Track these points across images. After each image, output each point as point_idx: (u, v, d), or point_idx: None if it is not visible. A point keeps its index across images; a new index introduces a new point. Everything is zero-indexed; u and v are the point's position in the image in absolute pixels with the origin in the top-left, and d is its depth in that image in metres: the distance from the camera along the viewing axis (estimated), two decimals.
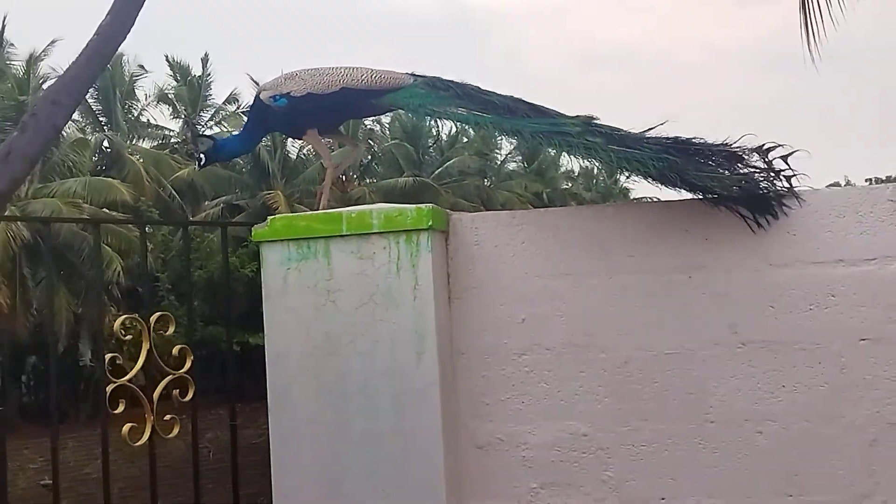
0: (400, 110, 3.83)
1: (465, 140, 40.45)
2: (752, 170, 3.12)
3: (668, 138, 3.19)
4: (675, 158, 3.10)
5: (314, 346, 3.27)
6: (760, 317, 3.08)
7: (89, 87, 10.37)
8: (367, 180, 35.83)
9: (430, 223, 3.22)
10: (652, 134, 3.20)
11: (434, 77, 3.66)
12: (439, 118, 3.60)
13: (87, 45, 8.64)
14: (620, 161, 3.19)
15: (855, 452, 2.98)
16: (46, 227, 3.73)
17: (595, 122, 3.36)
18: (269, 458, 3.26)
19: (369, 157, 37.08)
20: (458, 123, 3.60)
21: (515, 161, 44.28)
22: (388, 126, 39.03)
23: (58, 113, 8.41)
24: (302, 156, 34.79)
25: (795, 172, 3.09)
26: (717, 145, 3.15)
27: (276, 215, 3.41)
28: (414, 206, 3.29)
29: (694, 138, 3.19)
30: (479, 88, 3.58)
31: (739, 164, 3.14)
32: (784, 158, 3.09)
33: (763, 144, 3.11)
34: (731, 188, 3.08)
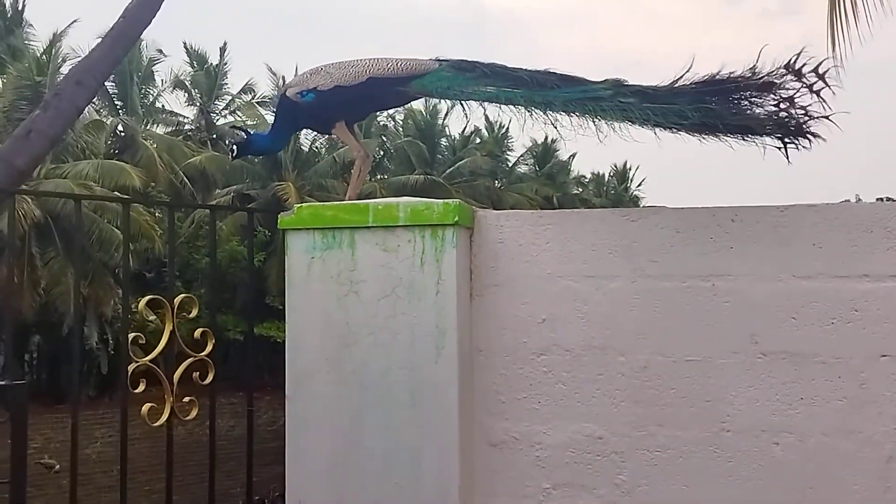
0: (427, 96, 3.85)
1: (479, 140, 40.50)
2: (784, 97, 3.12)
3: (698, 83, 3.21)
4: (711, 106, 3.15)
5: (335, 335, 3.27)
6: (782, 328, 3.08)
7: (113, 69, 10.42)
8: (379, 176, 35.84)
9: (455, 219, 3.22)
10: (683, 82, 3.22)
11: (459, 60, 3.68)
12: (468, 99, 3.60)
13: (113, 27, 8.71)
14: (658, 117, 3.21)
15: (871, 468, 2.98)
16: (77, 205, 3.74)
17: (625, 83, 3.38)
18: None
19: (381, 153, 37.11)
20: (488, 102, 3.60)
21: (527, 164, 44.30)
22: (401, 123, 39.09)
23: (81, 94, 8.48)
24: (314, 148, 34.86)
25: (826, 85, 3.06)
26: (748, 77, 3.16)
27: (304, 203, 3.42)
28: (441, 200, 3.29)
29: (723, 74, 3.19)
30: (506, 66, 3.59)
31: (772, 93, 3.15)
32: (815, 71, 3.06)
33: (790, 60, 3.08)
34: (766, 126, 3.13)
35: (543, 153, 43.83)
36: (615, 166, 52.03)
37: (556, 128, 3.42)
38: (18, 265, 22.37)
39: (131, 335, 3.23)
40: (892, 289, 2.99)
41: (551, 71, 3.53)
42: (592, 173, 51.51)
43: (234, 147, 3.96)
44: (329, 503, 3.21)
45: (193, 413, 3.39)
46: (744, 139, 3.18)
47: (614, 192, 50.63)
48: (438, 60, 3.67)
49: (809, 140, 3.11)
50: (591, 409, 3.20)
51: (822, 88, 3.06)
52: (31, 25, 30.97)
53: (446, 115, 39.13)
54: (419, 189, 31.09)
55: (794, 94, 3.10)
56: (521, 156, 43.83)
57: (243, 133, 3.98)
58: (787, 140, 3.12)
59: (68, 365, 23.73)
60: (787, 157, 3.13)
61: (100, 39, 9.18)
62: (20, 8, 31.00)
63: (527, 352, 3.28)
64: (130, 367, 3.25)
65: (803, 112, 3.10)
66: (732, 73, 3.18)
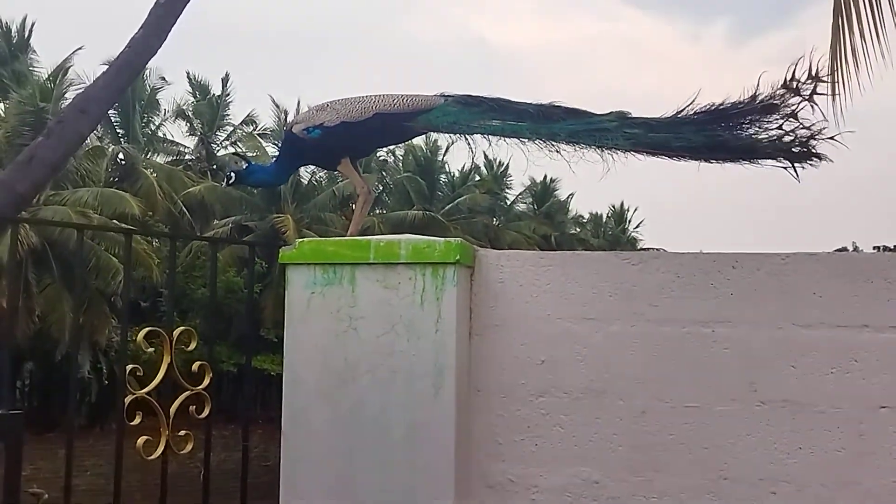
0: (434, 131, 3.88)
1: (478, 178, 40.65)
2: (787, 118, 3.17)
3: (701, 112, 3.29)
4: (716, 132, 3.24)
5: (333, 371, 3.26)
6: (781, 376, 3.07)
7: (117, 98, 10.49)
8: (378, 211, 35.92)
9: (457, 257, 3.22)
10: (686, 112, 3.30)
11: (465, 95, 3.71)
12: (474, 133, 3.64)
13: (119, 56, 8.76)
14: (665, 145, 3.30)
15: None
16: (79, 234, 3.73)
17: (629, 115, 3.45)
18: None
19: (380, 188, 37.22)
20: (494, 136, 3.65)
21: (525, 202, 44.48)
22: (401, 158, 39.26)
23: (84, 121, 8.52)
24: (314, 181, 34.95)
25: (821, 78, 3.11)
26: (750, 101, 3.22)
27: (305, 238, 3.42)
28: (442, 239, 3.30)
29: (725, 103, 3.26)
30: (511, 100, 3.63)
31: (775, 114, 3.20)
32: (813, 76, 3.11)
33: (787, 77, 3.14)
34: (769, 149, 3.19)
35: (542, 192, 44.03)
36: (613, 207, 52.26)
37: (562, 158, 3.46)
38: (15, 292, 22.32)
39: (129, 367, 3.21)
40: (892, 339, 2.98)
41: (557, 104, 3.59)
42: (591, 213, 51.75)
43: (233, 174, 3.93)
44: None
45: (189, 447, 3.36)
46: (751, 162, 3.23)
47: (612, 232, 50.80)
48: (444, 96, 3.70)
49: (816, 159, 3.16)
50: (589, 452, 3.19)
51: (818, 91, 3.12)
52: (35, 52, 31.22)
53: (446, 151, 39.32)
54: (418, 225, 31.15)
55: (796, 108, 3.16)
56: (520, 194, 44.05)
57: (244, 162, 3.98)
58: (794, 161, 3.17)
59: (61, 393, 23.59)
60: (797, 177, 3.17)
61: (105, 67, 9.24)
62: (26, 34, 31.24)
63: (525, 393, 3.26)
64: (127, 399, 3.23)
65: (807, 131, 3.15)
66: (734, 100, 3.25)
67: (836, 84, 5.42)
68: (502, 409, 3.27)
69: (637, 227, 53.15)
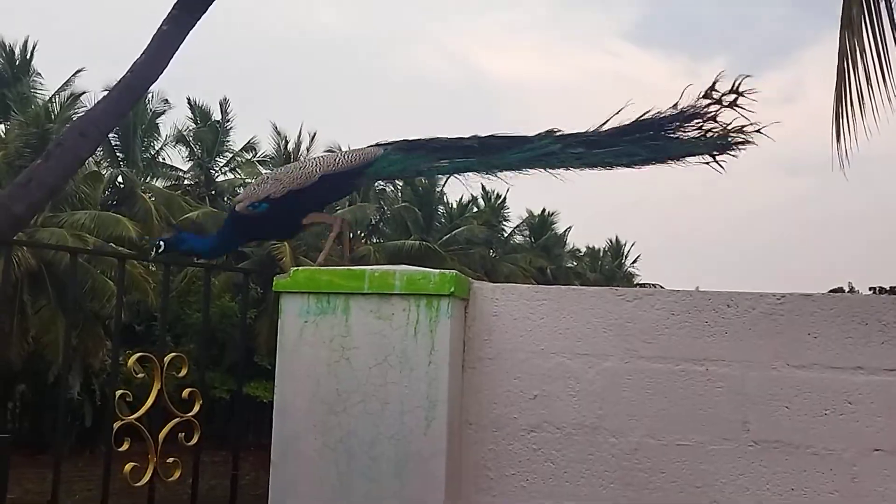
0: (385, 180, 4.01)
1: (475, 209, 40.72)
2: (708, 119, 3.57)
3: (637, 124, 3.61)
4: (657, 141, 3.58)
5: (323, 401, 3.24)
6: (774, 416, 3.06)
7: (118, 122, 10.52)
8: (375, 240, 35.94)
9: (452, 289, 3.22)
10: (619, 124, 3.61)
11: (401, 140, 3.80)
12: (428, 175, 3.75)
13: (120, 80, 8.78)
14: (611, 159, 3.61)
15: None
16: (73, 258, 3.73)
17: (560, 133, 3.69)
18: None
19: (377, 217, 37.27)
20: (447, 174, 3.76)
21: (522, 234, 44.53)
22: (399, 188, 39.34)
23: (83, 145, 8.52)
24: None
25: (742, 93, 3.52)
26: (678, 112, 3.59)
27: (300, 267, 3.41)
28: (438, 270, 3.29)
29: (658, 115, 3.61)
30: (449, 138, 3.70)
31: (699, 119, 3.58)
32: (735, 90, 3.51)
33: (708, 89, 3.53)
34: (700, 148, 3.59)
35: (540, 225, 44.12)
36: (610, 241, 52.35)
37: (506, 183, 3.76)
38: (9, 313, 22.25)
39: (119, 392, 3.19)
40: (886, 382, 2.97)
41: (496, 135, 3.75)
42: (587, 247, 51.83)
43: (161, 243, 3.85)
44: None
45: (177, 475, 3.33)
46: (684, 161, 3.62)
47: (609, 267, 50.81)
48: (381, 145, 3.77)
49: (736, 150, 3.57)
50: (580, 489, 3.16)
51: (738, 101, 3.51)
52: (39, 74, 31.34)
53: (445, 181, 39.41)
54: (414, 255, 31.13)
55: (715, 113, 3.55)
56: (518, 226, 44.11)
57: (175, 230, 4.01)
58: (715, 154, 3.57)
59: (53, 414, 23.43)
60: (721, 168, 3.58)
61: (105, 91, 9.28)
62: (28, 56, 31.38)
63: (517, 428, 3.24)
64: (116, 425, 3.21)
65: (725, 128, 3.55)
66: (665, 112, 3.60)
67: (841, 127, 5.46)
68: (494, 443, 3.25)
69: (634, 262, 53.24)
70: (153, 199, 30.51)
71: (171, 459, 3.33)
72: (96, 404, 25.17)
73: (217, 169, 36.80)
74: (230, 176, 36.33)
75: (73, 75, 29.14)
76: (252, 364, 24.62)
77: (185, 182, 36.47)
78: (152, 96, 33.18)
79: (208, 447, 4.09)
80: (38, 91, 30.73)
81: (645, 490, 3.11)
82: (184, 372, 3.42)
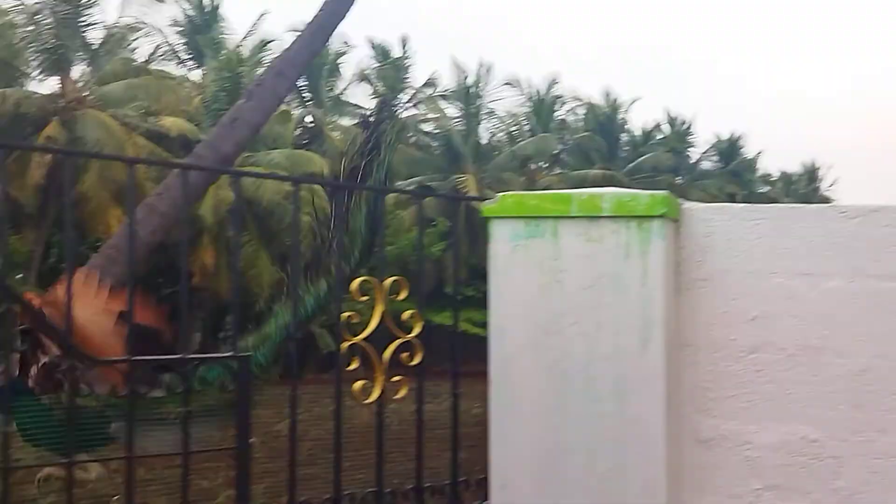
0: None
1: (660, 136, 39.64)
2: None
3: None
4: None
5: (537, 324, 3.28)
6: None
7: (311, 60, 10.88)
8: (558, 171, 35.70)
9: (663, 210, 3.16)
10: None
11: None
12: None
13: (312, 20, 9.07)
14: None
15: None
16: (295, 187, 3.93)
17: None
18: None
19: (559, 147, 36.96)
20: None
21: (710, 160, 42.99)
22: (581, 117, 38.80)
23: (282, 84, 8.91)
24: (493, 142, 35.13)
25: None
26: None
27: (507, 192, 3.44)
28: (647, 192, 3.24)
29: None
30: None
31: None
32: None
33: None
34: None
35: (729, 149, 42.44)
36: (805, 165, 49.72)
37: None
38: (216, 249, 23.74)
39: (345, 314, 3.36)
40: None
41: None
42: (780, 171, 49.44)
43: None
44: (532, 489, 3.23)
45: (403, 392, 3.49)
46: None
47: (803, 192, 48.36)
48: None
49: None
50: (806, 410, 3.07)
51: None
52: (224, 20, 32.88)
53: (627, 109, 38.51)
54: (598, 184, 30.66)
55: None
56: (706, 152, 42.59)
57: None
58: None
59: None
60: None
61: (291, 32, 9.61)
62: (214, 3, 32.93)
63: (736, 349, 3.18)
64: (344, 345, 3.38)
65: None
66: None
67: None
68: (712, 364, 3.20)
69: (831, 185, 50.40)
70: (340, 136, 31.50)
71: (396, 378, 3.49)
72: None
73: (400, 105, 37.46)
74: (413, 111, 36.93)
75: (258, 19, 30.30)
76: (443, 295, 25.21)
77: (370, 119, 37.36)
78: (333, 38, 34.02)
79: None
80: (227, 36, 32.21)
81: (877, 412, 2.99)
82: (403, 294, 3.55)
